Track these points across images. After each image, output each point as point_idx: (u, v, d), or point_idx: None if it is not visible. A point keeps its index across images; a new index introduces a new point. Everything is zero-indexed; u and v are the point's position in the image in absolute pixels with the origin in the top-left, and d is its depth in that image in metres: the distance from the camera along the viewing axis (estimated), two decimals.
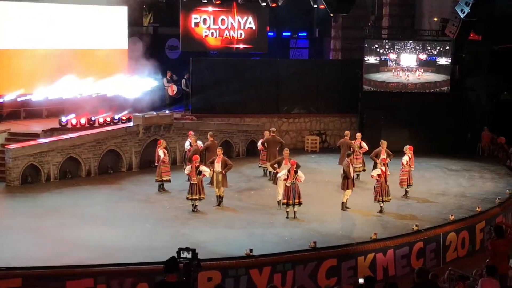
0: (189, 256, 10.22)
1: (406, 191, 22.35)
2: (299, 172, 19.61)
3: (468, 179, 25.46)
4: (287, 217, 19.52)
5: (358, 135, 24.85)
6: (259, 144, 25.00)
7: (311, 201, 20.62)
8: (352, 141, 24.23)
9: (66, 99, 27.79)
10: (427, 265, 17.50)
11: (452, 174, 26.37)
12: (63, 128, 25.36)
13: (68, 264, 14.86)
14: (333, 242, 17.29)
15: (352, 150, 23.11)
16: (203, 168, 20.06)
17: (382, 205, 20.28)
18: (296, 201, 19.48)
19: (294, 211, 19.56)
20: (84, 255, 15.79)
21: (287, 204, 19.52)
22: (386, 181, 20.35)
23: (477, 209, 20.61)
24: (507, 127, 32.79)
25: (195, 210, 19.91)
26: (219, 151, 21.11)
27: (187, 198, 20.01)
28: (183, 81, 30.78)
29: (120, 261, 15.24)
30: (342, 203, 20.59)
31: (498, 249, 14.43)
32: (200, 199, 19.91)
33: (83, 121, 25.89)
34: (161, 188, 22.32)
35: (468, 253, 19.57)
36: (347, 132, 24.96)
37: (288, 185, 19.48)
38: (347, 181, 20.48)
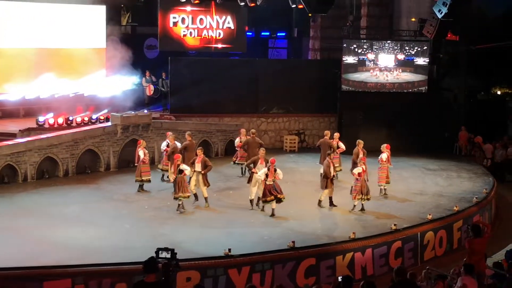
0: (168, 256, 10.19)
1: (384, 189, 22.42)
2: (278, 170, 19.72)
3: (446, 179, 25.59)
4: (272, 215, 19.64)
5: (336, 135, 24.85)
6: (237, 141, 24.97)
7: (290, 201, 20.61)
8: (331, 141, 24.27)
9: (43, 98, 27.65)
10: (405, 264, 17.59)
11: (429, 173, 26.49)
12: (40, 128, 25.18)
13: (45, 265, 14.77)
14: (312, 242, 17.32)
15: (332, 150, 23.19)
16: (183, 166, 20.02)
17: (363, 202, 20.36)
18: (280, 196, 19.57)
19: (273, 209, 19.65)
20: (62, 255, 15.68)
21: (267, 201, 19.61)
22: (367, 180, 20.49)
23: (455, 208, 20.74)
24: (484, 127, 33.08)
25: (180, 209, 19.87)
26: (199, 151, 21.05)
27: (175, 198, 19.92)
28: (160, 80, 30.70)
29: (98, 261, 15.16)
30: (319, 200, 20.69)
31: (475, 248, 14.52)
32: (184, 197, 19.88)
33: (60, 120, 25.72)
34: (140, 188, 22.24)
35: (446, 252, 19.71)
36: (326, 132, 24.95)
37: (268, 183, 19.55)
38: (326, 181, 20.56)
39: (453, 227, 20.16)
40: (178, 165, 19.88)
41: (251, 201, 20.48)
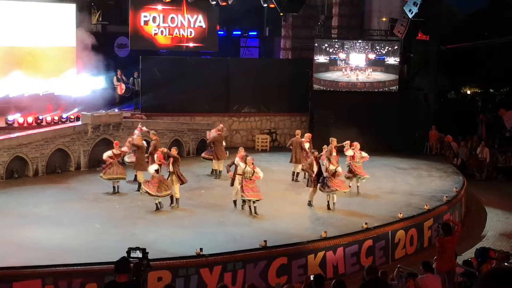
0: (140, 255, 10.13)
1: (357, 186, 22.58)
2: (257, 169, 19.76)
3: (416, 177, 25.76)
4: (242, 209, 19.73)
5: (308, 135, 24.89)
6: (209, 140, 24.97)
7: (262, 200, 20.60)
8: (303, 140, 24.30)
9: (13, 97, 27.34)
10: (376, 263, 17.64)
11: (400, 172, 26.65)
12: (9, 127, 24.92)
13: (14, 265, 14.61)
14: (284, 241, 17.32)
15: (303, 149, 23.29)
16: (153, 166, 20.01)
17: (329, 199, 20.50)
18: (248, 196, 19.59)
19: (250, 206, 19.69)
20: (32, 255, 15.52)
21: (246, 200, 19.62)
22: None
23: (425, 207, 20.87)
24: (454, 126, 33.40)
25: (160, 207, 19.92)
26: (173, 150, 20.97)
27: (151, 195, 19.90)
28: (132, 79, 30.52)
29: (69, 262, 15.03)
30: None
31: (445, 246, 14.64)
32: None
33: (30, 120, 25.49)
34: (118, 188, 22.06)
35: (417, 251, 19.82)
36: (298, 131, 25.02)
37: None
38: (310, 179, 20.67)
39: (423, 226, 20.29)
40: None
41: (234, 202, 20.36)
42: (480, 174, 30.41)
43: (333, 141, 22.87)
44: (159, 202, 19.76)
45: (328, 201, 20.53)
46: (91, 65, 28.24)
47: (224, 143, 24.62)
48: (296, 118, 31.86)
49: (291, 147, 24.44)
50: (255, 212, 19.61)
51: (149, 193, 19.66)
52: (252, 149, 30.21)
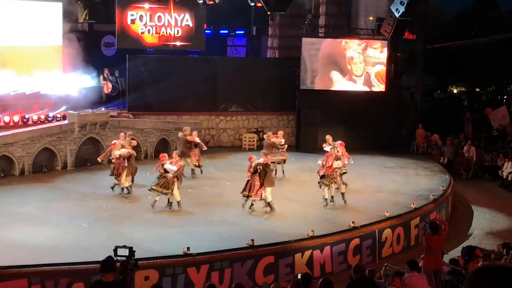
0: (126, 253, 10.11)
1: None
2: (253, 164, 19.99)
3: (403, 176, 25.82)
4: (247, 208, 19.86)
5: (281, 132, 25.08)
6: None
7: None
8: (273, 140, 24.23)
9: None
10: (363, 262, 17.68)
11: (387, 171, 26.69)
12: None
13: (1, 265, 14.53)
14: (271, 240, 17.32)
15: (274, 147, 23.47)
16: (169, 166, 19.86)
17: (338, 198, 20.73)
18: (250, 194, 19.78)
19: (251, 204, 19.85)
20: (18, 255, 15.46)
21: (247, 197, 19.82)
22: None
23: (412, 205, 20.92)
24: (440, 125, 33.50)
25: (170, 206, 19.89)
26: (175, 154, 20.83)
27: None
28: (113, 78, 30.24)
29: (55, 261, 14.98)
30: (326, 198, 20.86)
31: (432, 245, 14.69)
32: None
33: (16, 119, 25.34)
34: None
35: (403, 249, 19.87)
36: (269, 133, 24.96)
37: (247, 179, 19.74)
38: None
39: (410, 224, 20.35)
40: (163, 164, 19.89)
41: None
42: (466, 173, 30.52)
43: (329, 138, 22.94)
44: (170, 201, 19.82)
45: (331, 196, 20.76)
46: (78, 63, 28.09)
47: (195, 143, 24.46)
48: (283, 117, 31.85)
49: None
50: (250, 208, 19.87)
51: (163, 192, 19.70)
52: (239, 148, 30.21)
